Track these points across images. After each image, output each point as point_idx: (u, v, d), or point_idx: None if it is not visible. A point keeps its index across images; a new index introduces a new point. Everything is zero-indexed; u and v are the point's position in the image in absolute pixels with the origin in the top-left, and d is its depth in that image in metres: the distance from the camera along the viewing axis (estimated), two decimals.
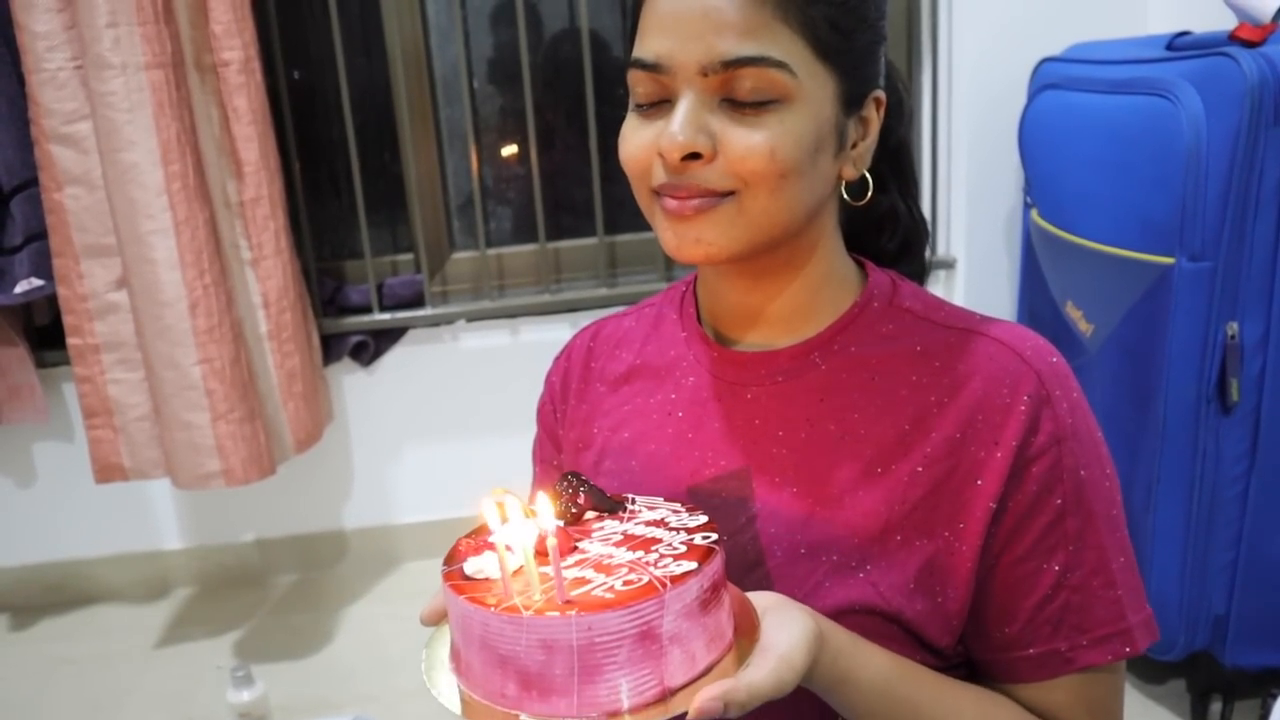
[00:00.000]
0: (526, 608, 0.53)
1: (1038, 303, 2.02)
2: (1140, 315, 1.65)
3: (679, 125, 0.67)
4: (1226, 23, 1.58)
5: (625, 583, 0.54)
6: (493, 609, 0.54)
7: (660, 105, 0.70)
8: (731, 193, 0.69)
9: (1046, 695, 0.73)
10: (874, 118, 0.75)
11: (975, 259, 2.45)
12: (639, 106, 0.72)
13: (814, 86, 0.68)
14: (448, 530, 0.67)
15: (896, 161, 0.84)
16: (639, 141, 0.71)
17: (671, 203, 0.70)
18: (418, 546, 2.55)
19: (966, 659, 0.76)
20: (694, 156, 0.68)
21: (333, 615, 2.37)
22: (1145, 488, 1.67)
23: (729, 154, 0.68)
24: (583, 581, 0.55)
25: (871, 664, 0.67)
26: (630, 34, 0.73)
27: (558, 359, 0.94)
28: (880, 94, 0.74)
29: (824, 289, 0.78)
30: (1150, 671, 1.91)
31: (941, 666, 0.74)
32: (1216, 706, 1.75)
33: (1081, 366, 1.78)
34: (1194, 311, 1.57)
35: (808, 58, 0.68)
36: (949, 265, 2.47)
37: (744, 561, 0.74)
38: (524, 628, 0.53)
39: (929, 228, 0.91)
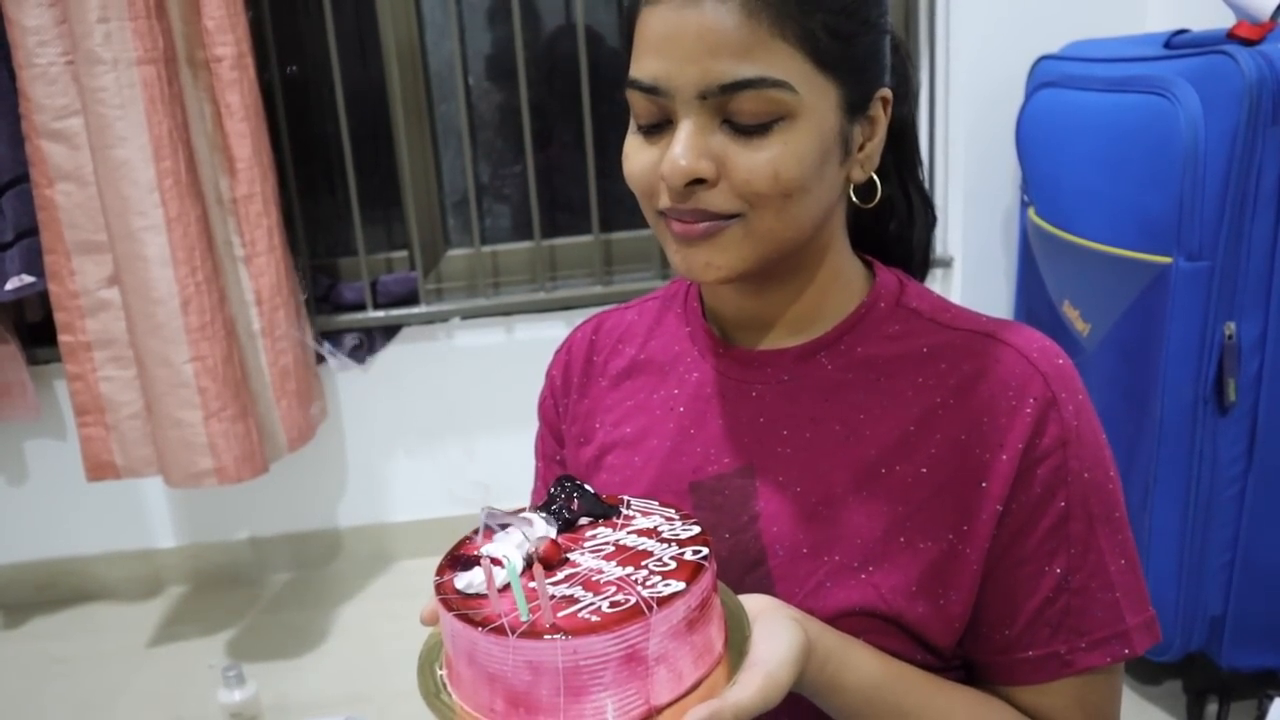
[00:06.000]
0: (513, 628, 0.53)
1: (1035, 302, 2.02)
2: (1137, 315, 1.65)
3: (680, 150, 0.66)
4: (1225, 21, 1.57)
5: (612, 604, 0.54)
6: (480, 629, 0.54)
7: (662, 126, 0.69)
8: (738, 215, 0.68)
9: (1043, 698, 0.73)
10: (881, 117, 0.73)
11: (972, 258, 2.44)
12: (640, 127, 0.71)
13: (816, 99, 0.67)
14: (442, 529, 0.67)
15: (900, 145, 0.82)
16: (642, 164, 0.71)
17: (679, 226, 0.70)
18: (412, 545, 2.54)
19: (964, 660, 0.76)
20: (698, 181, 0.67)
21: (326, 614, 2.37)
22: (1142, 488, 1.67)
23: (732, 177, 0.67)
24: (571, 601, 0.55)
25: (860, 669, 0.67)
26: (626, 46, 0.71)
27: (558, 353, 0.94)
28: (886, 92, 0.73)
29: (830, 291, 0.78)
30: (1146, 672, 1.91)
31: (939, 668, 0.73)
32: (1212, 708, 1.75)
33: (1078, 366, 1.77)
34: (1191, 311, 1.56)
35: (808, 71, 0.66)
36: (946, 264, 2.46)
37: (745, 560, 0.74)
38: (510, 649, 0.53)
39: (934, 211, 0.90)
